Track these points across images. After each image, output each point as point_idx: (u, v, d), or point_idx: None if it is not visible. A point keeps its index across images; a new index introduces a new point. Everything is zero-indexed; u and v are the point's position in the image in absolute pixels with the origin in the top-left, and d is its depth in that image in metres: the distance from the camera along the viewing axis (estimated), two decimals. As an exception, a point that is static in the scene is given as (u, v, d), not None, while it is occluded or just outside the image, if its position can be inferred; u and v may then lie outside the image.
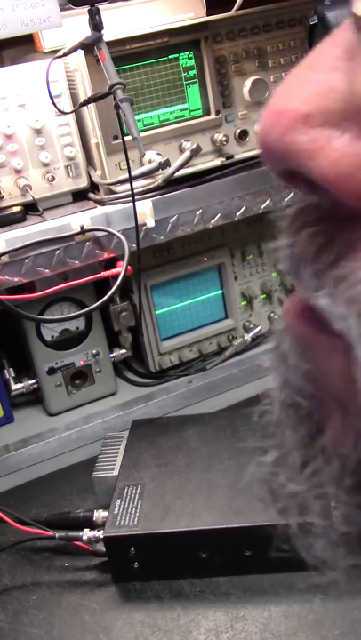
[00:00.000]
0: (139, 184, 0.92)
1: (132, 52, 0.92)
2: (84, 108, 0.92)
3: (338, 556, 0.20)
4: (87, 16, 0.85)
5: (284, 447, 0.21)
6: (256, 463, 0.22)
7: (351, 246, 0.18)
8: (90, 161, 0.97)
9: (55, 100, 0.89)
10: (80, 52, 0.87)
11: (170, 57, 0.94)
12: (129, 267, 0.90)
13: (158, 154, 0.91)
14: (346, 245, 0.18)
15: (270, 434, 0.21)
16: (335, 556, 0.20)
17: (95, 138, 0.94)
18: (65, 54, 0.86)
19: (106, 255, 0.92)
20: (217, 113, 0.98)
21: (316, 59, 0.18)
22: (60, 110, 0.90)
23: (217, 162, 0.99)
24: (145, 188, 0.93)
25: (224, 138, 0.97)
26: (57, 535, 0.78)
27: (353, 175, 0.17)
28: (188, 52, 0.95)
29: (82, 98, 0.90)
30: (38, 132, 0.92)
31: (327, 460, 0.19)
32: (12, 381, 1.03)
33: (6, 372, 1.03)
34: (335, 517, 0.19)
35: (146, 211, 0.92)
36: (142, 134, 0.89)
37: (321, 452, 0.20)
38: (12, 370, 1.03)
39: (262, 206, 1.00)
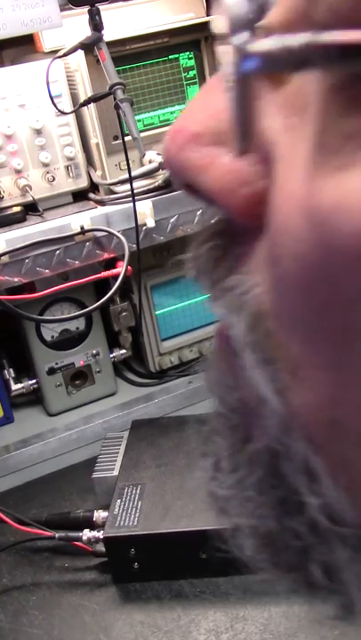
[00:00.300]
0: (139, 184, 0.92)
1: (132, 52, 0.92)
2: (84, 108, 0.92)
3: (262, 556, 0.21)
4: (87, 16, 0.85)
5: (217, 453, 0.22)
6: (200, 468, 0.23)
7: (241, 259, 0.19)
8: (90, 161, 0.97)
9: (55, 100, 0.89)
10: (80, 52, 0.87)
11: (170, 57, 0.94)
12: (129, 267, 0.90)
13: (158, 154, 0.91)
14: (236, 259, 0.20)
15: (210, 440, 0.23)
16: (261, 556, 0.22)
17: (95, 138, 0.94)
18: (65, 54, 0.86)
19: (106, 255, 0.92)
20: (217, 113, 0.98)
21: (212, 82, 0.20)
22: (60, 110, 0.90)
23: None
24: (145, 189, 0.93)
25: (224, 138, 0.97)
26: (57, 535, 0.78)
27: (235, 191, 0.18)
28: (188, 53, 0.95)
29: (82, 98, 0.90)
30: (38, 132, 0.92)
31: (251, 467, 0.21)
32: (11, 381, 1.03)
33: (6, 372, 1.03)
34: (257, 519, 0.21)
35: (146, 211, 0.92)
36: (142, 134, 0.89)
37: (248, 459, 0.21)
38: (12, 370, 1.03)
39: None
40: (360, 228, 0.14)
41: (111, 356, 1.07)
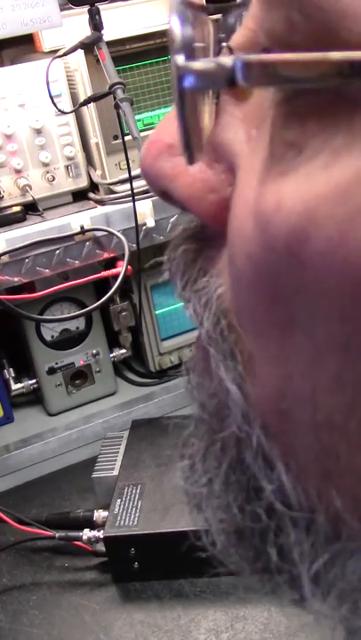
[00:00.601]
0: (139, 184, 0.92)
1: (132, 52, 0.92)
2: (84, 108, 0.92)
3: (230, 547, 0.23)
4: (87, 16, 0.85)
5: (194, 456, 0.24)
6: (178, 469, 0.25)
7: (210, 262, 0.21)
8: (90, 161, 0.97)
9: (55, 100, 0.89)
10: (80, 52, 0.87)
11: (170, 57, 0.94)
12: (129, 267, 0.90)
13: (158, 154, 0.91)
14: (207, 261, 0.21)
15: (187, 443, 0.25)
16: (229, 548, 0.23)
17: (95, 138, 0.94)
18: (65, 54, 0.86)
19: (106, 255, 0.92)
20: (217, 113, 0.98)
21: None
22: (60, 110, 0.90)
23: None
24: (145, 188, 0.93)
25: (224, 138, 0.97)
26: (57, 535, 0.78)
27: (203, 198, 0.20)
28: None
29: (82, 98, 0.90)
30: (38, 131, 0.92)
31: (219, 460, 0.22)
32: (11, 381, 1.03)
33: (6, 372, 1.03)
34: (224, 511, 0.22)
35: (146, 211, 0.92)
36: (142, 134, 0.88)
37: (216, 452, 0.22)
38: (12, 370, 1.03)
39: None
40: (294, 227, 0.16)
41: (111, 355, 1.07)
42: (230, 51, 0.19)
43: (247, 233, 0.17)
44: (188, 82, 0.17)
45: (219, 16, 0.21)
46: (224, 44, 0.20)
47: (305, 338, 0.17)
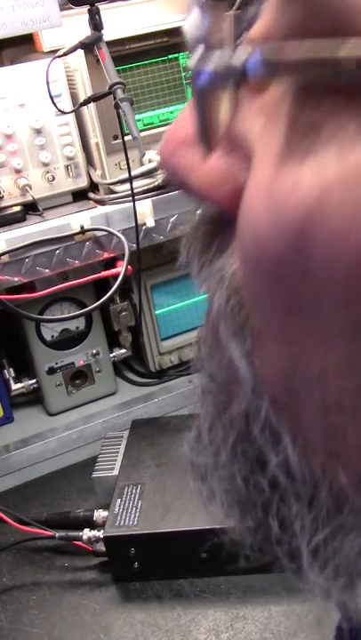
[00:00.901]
0: (139, 184, 0.92)
1: (131, 52, 0.92)
2: (84, 108, 0.92)
3: (232, 516, 0.24)
4: (87, 16, 0.85)
5: (200, 427, 0.24)
6: (185, 440, 0.26)
7: (226, 244, 0.22)
8: (90, 161, 0.97)
9: (55, 100, 0.89)
10: (80, 52, 0.87)
11: (170, 57, 0.94)
12: (129, 267, 0.90)
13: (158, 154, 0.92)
14: (223, 243, 0.22)
15: (195, 415, 0.25)
16: (231, 517, 0.24)
17: (95, 138, 0.94)
18: (65, 54, 0.86)
19: (106, 255, 0.92)
20: (217, 113, 0.98)
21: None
22: (60, 110, 0.90)
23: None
24: (145, 188, 0.93)
25: (224, 137, 0.97)
26: (57, 535, 0.78)
27: (219, 187, 0.21)
28: (188, 52, 0.95)
29: (82, 98, 0.90)
30: (38, 131, 0.92)
31: (226, 433, 0.22)
32: (12, 381, 1.03)
33: (6, 372, 1.03)
34: (229, 481, 0.23)
35: (146, 210, 0.92)
36: (142, 134, 0.89)
37: (224, 425, 0.23)
38: (12, 370, 1.03)
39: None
40: (308, 210, 0.16)
41: (111, 355, 1.07)
42: (249, 43, 0.19)
43: (257, 213, 0.18)
44: (204, 79, 0.17)
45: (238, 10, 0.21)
46: (243, 36, 0.20)
47: (312, 321, 0.17)
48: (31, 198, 0.92)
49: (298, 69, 0.16)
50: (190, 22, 0.18)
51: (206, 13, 0.18)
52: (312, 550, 0.20)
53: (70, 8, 0.87)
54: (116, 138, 0.93)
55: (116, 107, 0.84)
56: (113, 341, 1.07)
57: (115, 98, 0.84)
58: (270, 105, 0.19)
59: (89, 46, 0.86)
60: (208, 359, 0.24)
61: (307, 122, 0.17)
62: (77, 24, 0.87)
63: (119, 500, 0.79)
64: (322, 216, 0.16)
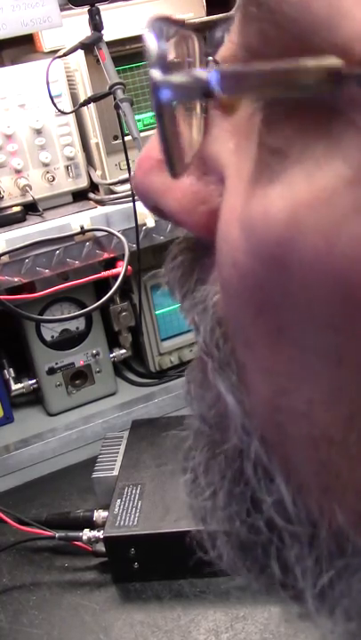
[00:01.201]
0: (139, 184, 0.92)
1: (132, 52, 0.92)
2: (84, 108, 0.92)
3: (236, 559, 0.23)
4: (87, 16, 0.85)
5: (195, 470, 0.24)
6: (182, 482, 0.25)
7: (207, 271, 0.21)
8: (90, 161, 0.97)
9: (55, 100, 0.89)
10: (80, 52, 0.87)
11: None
12: (129, 267, 0.90)
13: (158, 154, 0.91)
14: (204, 271, 0.22)
15: (188, 456, 0.25)
16: (235, 561, 0.23)
17: (95, 138, 0.94)
18: (65, 54, 0.86)
19: (106, 255, 0.92)
20: (217, 113, 0.98)
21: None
22: (60, 110, 0.90)
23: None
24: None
25: (224, 138, 0.97)
26: (57, 535, 0.78)
27: (193, 210, 0.20)
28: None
29: (82, 98, 0.90)
30: (38, 131, 0.92)
31: (222, 473, 0.22)
32: (11, 381, 1.03)
33: (6, 371, 1.03)
34: (228, 523, 0.22)
35: (146, 211, 0.92)
36: (142, 134, 0.88)
37: (219, 465, 0.22)
38: (12, 370, 1.03)
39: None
40: (279, 236, 0.16)
41: (111, 355, 1.07)
42: (216, 64, 0.19)
43: (233, 241, 0.17)
44: (165, 95, 0.17)
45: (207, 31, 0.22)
46: (210, 57, 0.20)
47: (295, 350, 0.17)
48: (31, 198, 0.92)
49: (260, 88, 0.16)
50: (149, 42, 0.18)
51: (164, 34, 0.18)
52: (318, 594, 0.19)
53: (70, 8, 0.87)
54: (116, 138, 0.93)
55: (117, 107, 0.84)
56: (113, 342, 1.07)
57: (115, 98, 0.84)
58: (240, 126, 0.19)
59: (89, 46, 0.86)
60: (198, 400, 0.23)
61: (274, 144, 0.16)
62: (77, 24, 0.87)
63: (119, 501, 0.79)
64: (293, 240, 0.16)
